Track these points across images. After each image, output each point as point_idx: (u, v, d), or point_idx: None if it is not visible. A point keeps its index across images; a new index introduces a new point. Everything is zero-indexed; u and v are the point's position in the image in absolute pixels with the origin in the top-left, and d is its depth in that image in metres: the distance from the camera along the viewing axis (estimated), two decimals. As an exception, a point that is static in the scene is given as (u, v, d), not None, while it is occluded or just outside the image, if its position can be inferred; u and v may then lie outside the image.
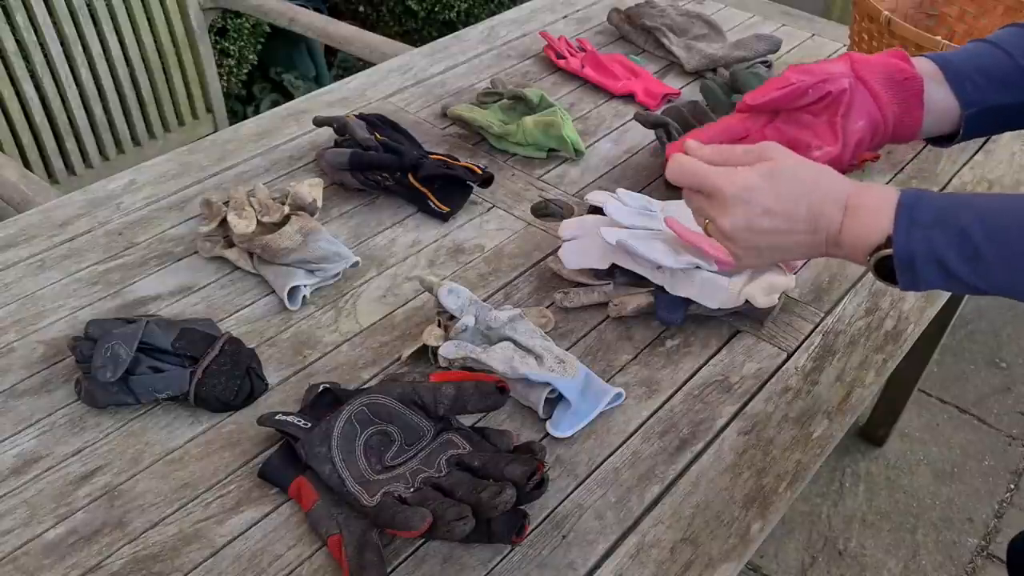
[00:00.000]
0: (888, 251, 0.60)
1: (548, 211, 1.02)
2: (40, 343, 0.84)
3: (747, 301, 0.85)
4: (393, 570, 0.66)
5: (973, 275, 0.59)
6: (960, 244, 0.58)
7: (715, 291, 0.85)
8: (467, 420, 0.77)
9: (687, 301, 0.87)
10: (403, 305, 0.90)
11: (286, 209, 0.93)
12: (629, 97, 1.27)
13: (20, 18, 1.50)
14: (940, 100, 0.74)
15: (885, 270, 0.61)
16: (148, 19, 1.67)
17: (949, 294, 0.96)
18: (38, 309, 0.87)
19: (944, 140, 0.78)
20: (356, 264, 0.92)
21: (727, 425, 0.79)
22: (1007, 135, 1.20)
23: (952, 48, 1.07)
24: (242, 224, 0.90)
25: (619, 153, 1.15)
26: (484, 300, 0.90)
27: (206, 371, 0.77)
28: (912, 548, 1.67)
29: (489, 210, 1.04)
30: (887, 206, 0.61)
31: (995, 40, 0.75)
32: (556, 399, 0.78)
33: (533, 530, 0.69)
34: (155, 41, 1.69)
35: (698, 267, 0.86)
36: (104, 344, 0.76)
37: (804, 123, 0.76)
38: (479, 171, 1.01)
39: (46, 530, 0.68)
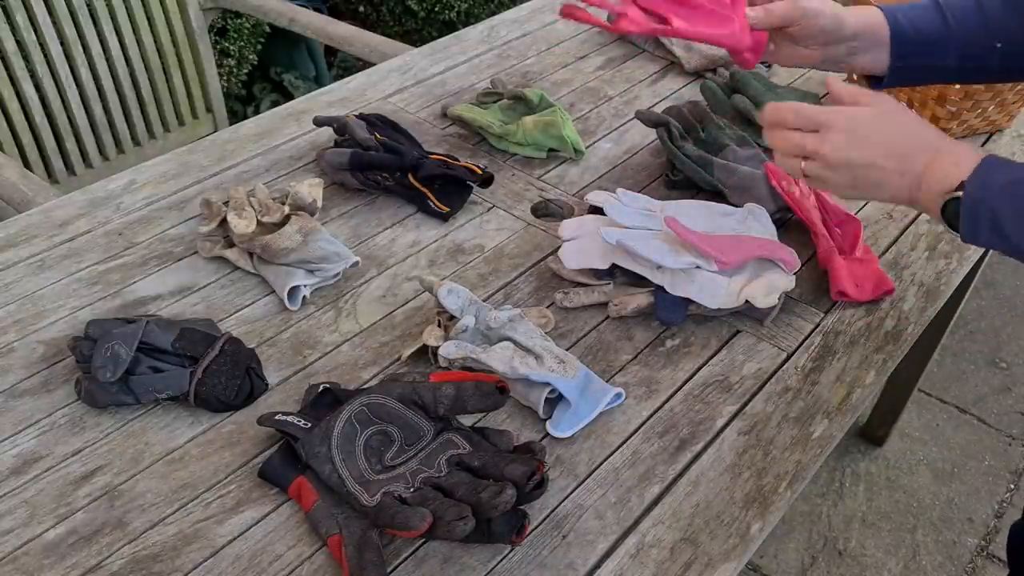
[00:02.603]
0: (956, 194, 0.67)
1: (548, 211, 1.02)
2: (40, 343, 0.84)
3: (747, 301, 0.85)
4: (393, 570, 0.66)
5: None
6: (1018, 210, 0.65)
7: (715, 291, 0.85)
8: (467, 420, 0.77)
9: (687, 301, 0.87)
10: (403, 305, 0.90)
11: (286, 209, 0.93)
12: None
13: (20, 18, 1.50)
14: (876, 58, 0.85)
15: (951, 216, 0.68)
16: (148, 19, 1.67)
17: (949, 294, 0.96)
18: (38, 309, 0.87)
19: (873, 81, 0.88)
20: (356, 264, 0.92)
21: (727, 425, 0.79)
22: (1007, 135, 1.20)
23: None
24: (242, 224, 0.90)
25: (619, 153, 1.15)
26: (484, 300, 0.90)
27: (206, 371, 0.77)
28: (912, 548, 1.67)
29: (489, 210, 1.04)
30: (970, 160, 0.67)
31: (942, 3, 0.84)
32: (556, 399, 0.78)
33: (533, 530, 0.69)
34: (155, 41, 1.69)
35: (698, 267, 0.86)
36: (104, 344, 0.76)
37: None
38: (479, 171, 1.01)
39: (46, 530, 0.68)
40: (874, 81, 0.87)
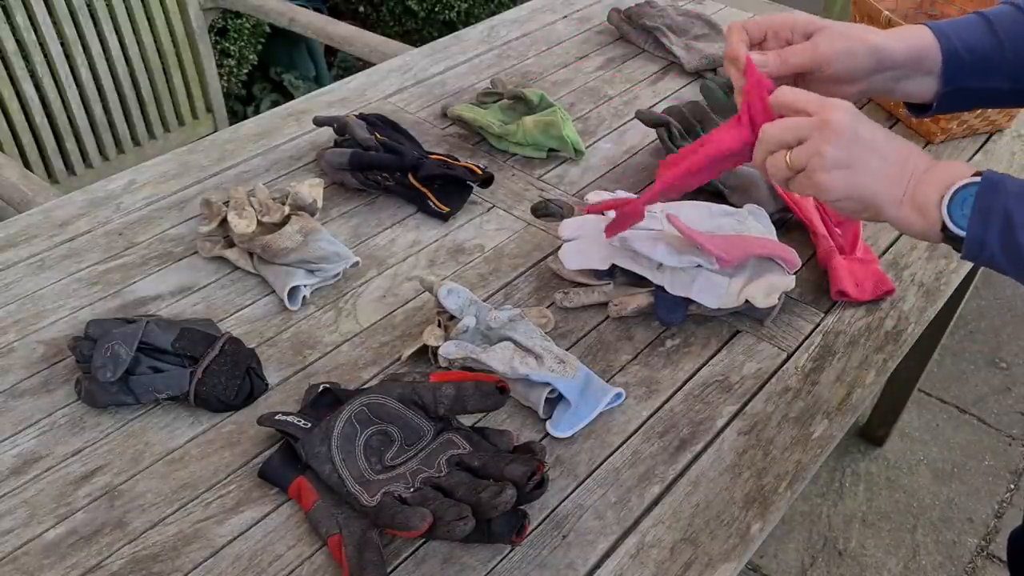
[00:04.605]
0: (975, 179, 0.62)
1: (548, 211, 1.02)
2: (40, 343, 0.84)
3: (747, 301, 0.85)
4: (393, 570, 0.66)
5: None
6: None
7: (715, 291, 0.85)
8: (467, 420, 0.77)
9: (687, 301, 0.87)
10: (403, 305, 0.90)
11: (286, 209, 0.93)
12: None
13: (20, 18, 1.50)
14: (925, 84, 0.75)
15: (955, 212, 0.62)
16: (148, 19, 1.67)
17: (949, 294, 0.96)
18: (38, 309, 0.87)
19: (916, 109, 0.79)
20: (356, 264, 0.92)
21: (727, 425, 0.79)
22: (1007, 135, 1.20)
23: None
24: (242, 224, 0.90)
25: (619, 153, 1.15)
26: (484, 300, 0.90)
27: (206, 371, 0.77)
28: (912, 548, 1.67)
29: (489, 210, 1.04)
30: (969, 169, 0.64)
31: (992, 21, 0.74)
32: (556, 399, 0.78)
33: (533, 530, 0.69)
34: (155, 41, 1.69)
35: (699, 267, 0.86)
36: (104, 344, 0.76)
37: None
38: (479, 171, 1.01)
39: (46, 530, 0.68)
40: (917, 110, 0.79)
